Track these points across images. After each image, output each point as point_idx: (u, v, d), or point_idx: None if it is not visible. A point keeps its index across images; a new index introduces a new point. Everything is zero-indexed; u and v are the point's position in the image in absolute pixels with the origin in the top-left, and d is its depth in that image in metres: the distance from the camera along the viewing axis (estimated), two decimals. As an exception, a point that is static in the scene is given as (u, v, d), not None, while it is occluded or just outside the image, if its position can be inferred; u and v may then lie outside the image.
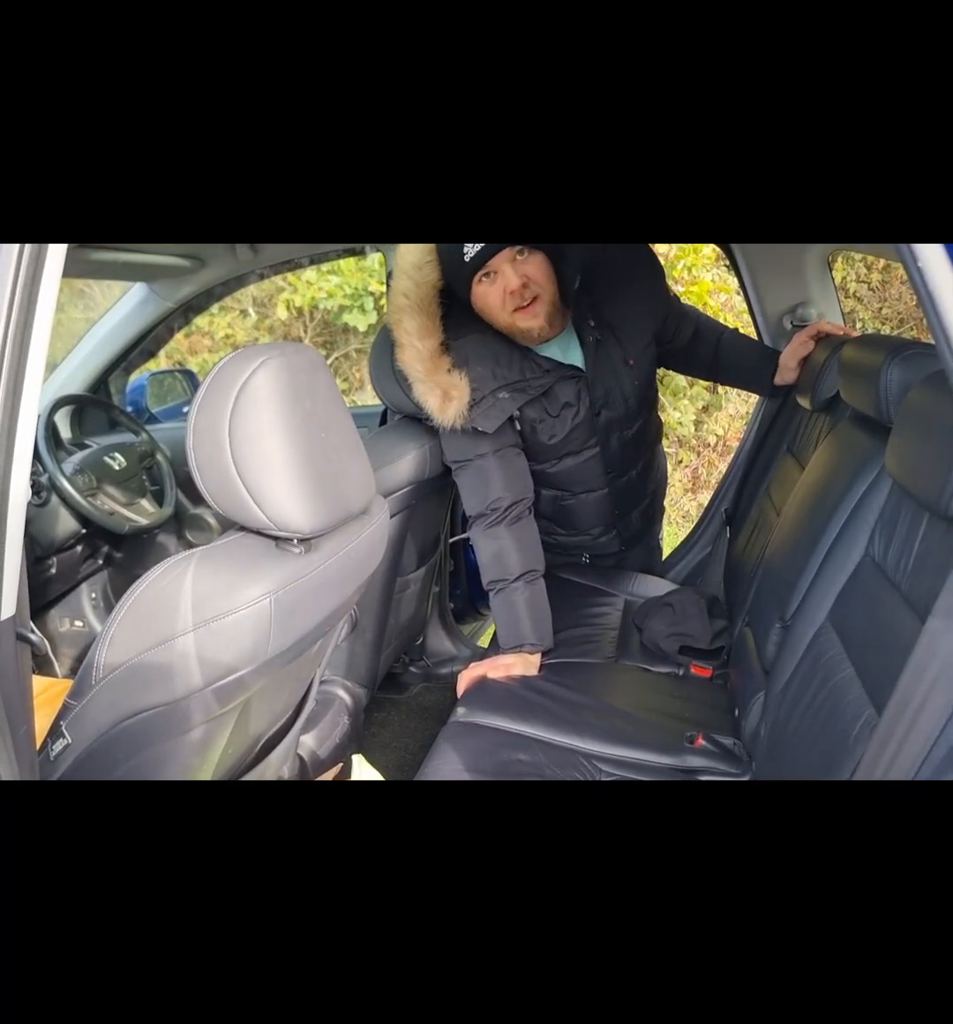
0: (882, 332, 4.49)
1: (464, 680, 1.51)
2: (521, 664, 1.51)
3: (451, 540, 2.22)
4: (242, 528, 0.89)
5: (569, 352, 1.61)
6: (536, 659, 1.54)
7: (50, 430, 1.78)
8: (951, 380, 0.55)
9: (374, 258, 4.39)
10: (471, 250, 1.41)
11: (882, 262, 4.51)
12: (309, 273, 4.66)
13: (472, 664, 1.56)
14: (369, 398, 4.42)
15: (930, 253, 0.51)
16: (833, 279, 1.95)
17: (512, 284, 1.43)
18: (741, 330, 1.94)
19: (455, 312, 1.55)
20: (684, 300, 1.93)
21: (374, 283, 4.61)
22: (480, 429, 1.53)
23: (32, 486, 1.69)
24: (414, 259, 1.50)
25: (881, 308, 4.66)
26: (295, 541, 0.88)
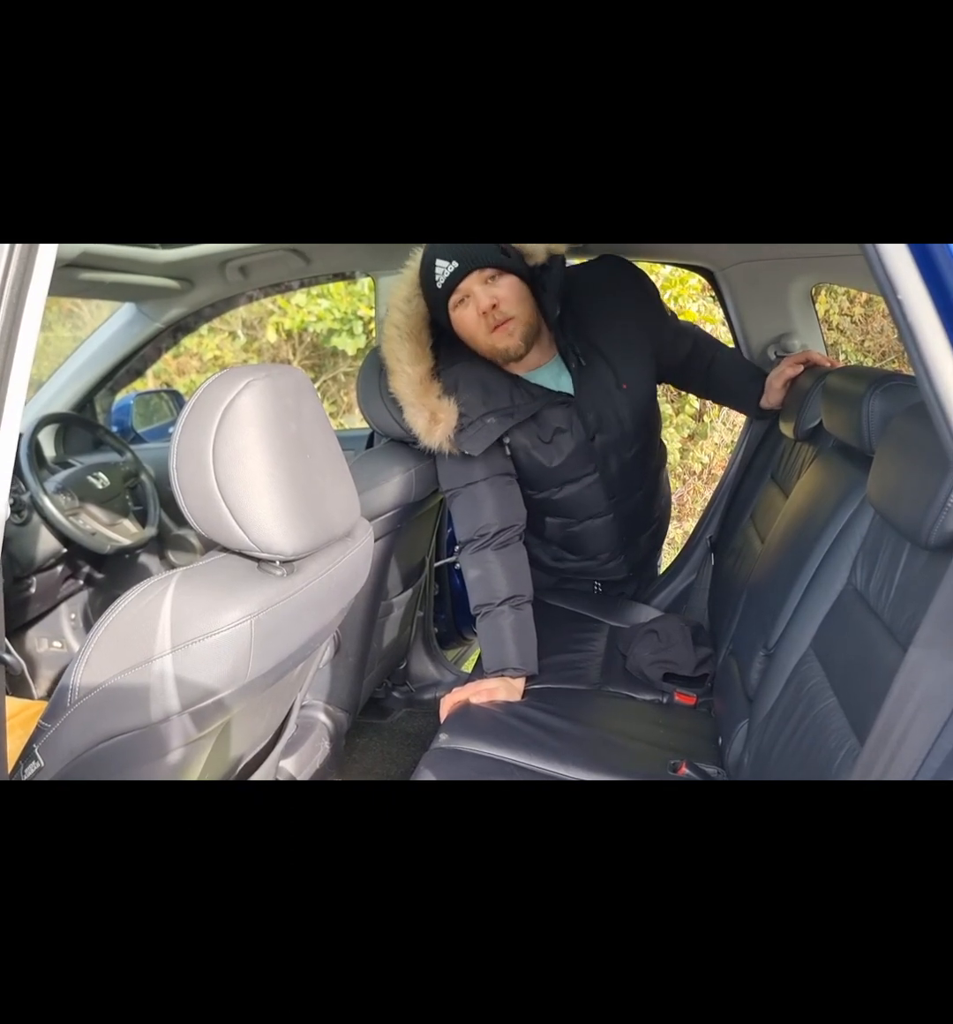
0: (865, 364, 4.54)
1: (447, 705, 1.51)
2: (504, 689, 1.50)
3: (437, 564, 2.21)
4: (223, 549, 0.89)
5: (560, 379, 1.63)
6: (519, 684, 1.54)
7: (33, 448, 1.76)
8: (932, 412, 0.55)
9: (364, 282, 4.42)
10: (442, 274, 1.45)
11: (865, 296, 4.57)
12: (299, 296, 4.68)
13: (455, 689, 1.54)
14: (357, 421, 4.42)
15: (908, 284, 0.52)
16: (816, 312, 1.98)
17: (483, 305, 1.45)
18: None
19: (446, 343, 1.57)
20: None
21: (363, 307, 4.63)
22: (467, 453, 1.55)
23: (13, 505, 1.67)
24: (404, 293, 1.54)
25: (863, 341, 4.73)
26: (277, 563, 0.87)
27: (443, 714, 1.49)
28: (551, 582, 1.98)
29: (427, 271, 1.48)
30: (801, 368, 1.67)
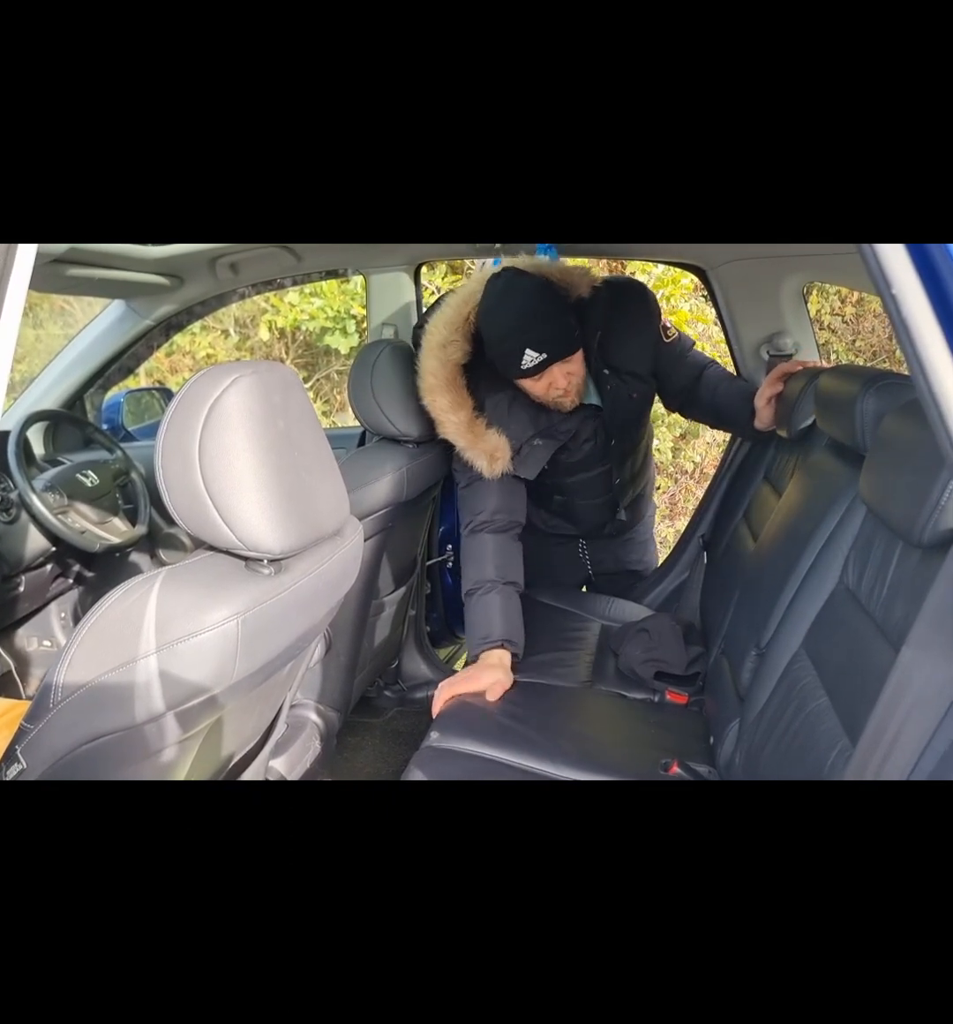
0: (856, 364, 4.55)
1: (440, 699, 1.52)
2: (491, 671, 1.53)
3: (428, 563, 2.20)
4: (210, 547, 0.88)
5: (586, 393, 1.72)
6: (507, 659, 1.57)
7: (21, 446, 1.74)
8: (927, 410, 0.54)
9: (356, 281, 4.40)
10: (530, 362, 1.53)
11: (856, 295, 4.58)
12: (292, 295, 4.66)
13: (445, 681, 1.55)
14: (350, 420, 4.40)
15: (903, 279, 0.51)
16: (808, 311, 1.97)
17: (560, 382, 1.58)
18: (719, 360, 1.93)
19: (487, 373, 1.64)
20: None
21: (357, 306, 4.62)
22: (521, 476, 1.69)
23: (1, 503, 1.66)
24: (439, 338, 1.61)
25: (855, 340, 4.74)
26: (265, 562, 0.86)
27: (435, 708, 1.49)
28: (536, 541, 2.02)
29: (507, 353, 1.54)
30: (782, 385, 1.65)
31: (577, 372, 1.60)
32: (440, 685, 1.54)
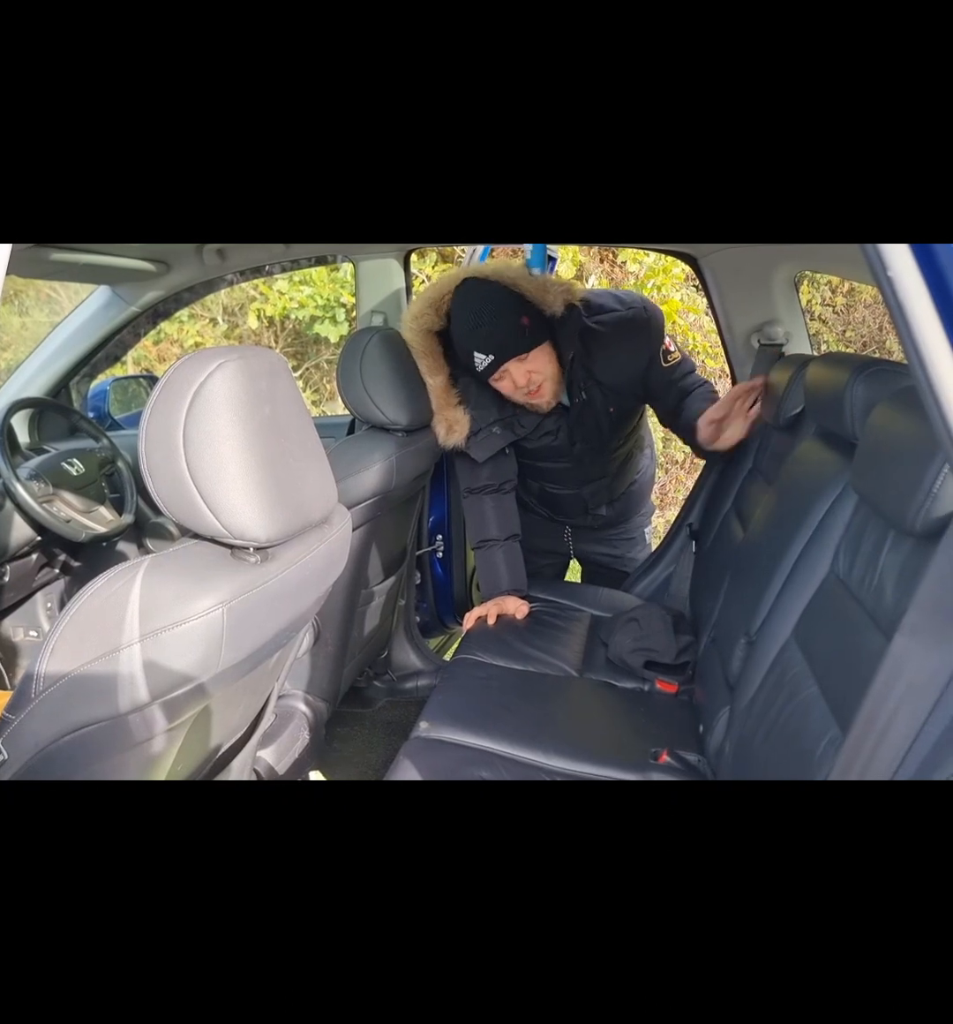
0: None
1: (471, 619, 1.81)
2: (512, 601, 1.82)
3: (418, 552, 2.19)
4: (195, 535, 0.86)
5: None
6: (517, 598, 1.84)
7: (5, 434, 1.72)
8: (922, 394, 0.54)
9: (346, 269, 4.37)
10: (480, 364, 1.65)
11: (847, 286, 4.59)
12: (281, 283, 4.62)
13: (471, 612, 1.83)
14: (340, 409, 4.37)
15: (900, 263, 0.50)
16: (800, 300, 1.97)
17: (520, 380, 1.66)
18: (710, 350, 1.93)
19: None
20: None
21: (346, 294, 4.58)
22: (473, 456, 1.82)
23: (-16, 491, 1.64)
24: (413, 311, 1.77)
25: (845, 331, 4.74)
26: (251, 550, 0.85)
27: (466, 626, 1.80)
28: (527, 520, 2.07)
29: (465, 357, 1.67)
30: (723, 412, 1.68)
31: (541, 370, 1.66)
32: (467, 614, 1.83)
